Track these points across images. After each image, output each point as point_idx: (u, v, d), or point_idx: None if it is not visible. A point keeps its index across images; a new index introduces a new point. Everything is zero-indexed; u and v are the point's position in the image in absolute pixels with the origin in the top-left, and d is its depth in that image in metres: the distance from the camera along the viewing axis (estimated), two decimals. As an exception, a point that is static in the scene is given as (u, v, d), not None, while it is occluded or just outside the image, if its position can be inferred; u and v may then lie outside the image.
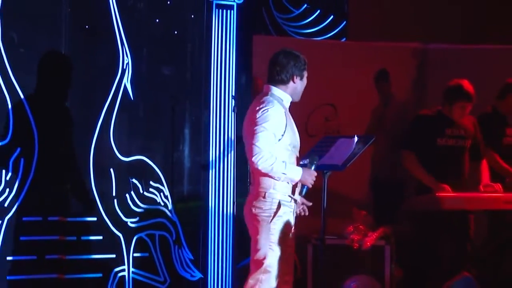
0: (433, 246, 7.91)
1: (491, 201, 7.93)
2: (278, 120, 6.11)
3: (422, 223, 7.94)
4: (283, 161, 6.10)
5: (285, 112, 6.20)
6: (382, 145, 8.36)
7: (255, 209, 6.16)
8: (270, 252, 6.15)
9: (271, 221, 6.13)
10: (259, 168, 6.06)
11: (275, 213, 6.13)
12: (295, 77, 6.25)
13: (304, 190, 6.22)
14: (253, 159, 6.03)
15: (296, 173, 6.15)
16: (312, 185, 6.21)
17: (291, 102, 6.32)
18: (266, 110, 6.09)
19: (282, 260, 6.22)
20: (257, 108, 6.14)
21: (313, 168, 6.22)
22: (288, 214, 6.20)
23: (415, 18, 9.60)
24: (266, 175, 6.10)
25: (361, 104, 8.84)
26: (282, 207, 6.14)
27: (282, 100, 6.24)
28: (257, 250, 6.19)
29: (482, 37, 9.35)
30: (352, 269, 7.75)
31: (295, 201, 6.23)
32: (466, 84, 7.80)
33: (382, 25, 9.47)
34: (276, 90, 6.24)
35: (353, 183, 8.35)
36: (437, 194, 7.75)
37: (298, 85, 6.29)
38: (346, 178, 7.58)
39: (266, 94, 6.22)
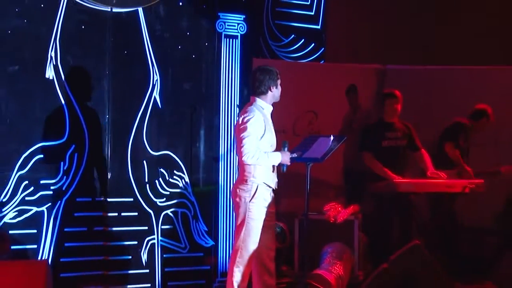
0: (389, 220, 8.01)
1: (435, 186, 7.99)
2: (258, 125, 6.20)
3: (381, 202, 8.03)
4: (265, 152, 6.20)
5: (264, 118, 6.27)
6: (351, 143, 8.36)
7: (239, 191, 6.27)
8: (248, 224, 6.22)
9: (250, 200, 6.23)
10: (248, 162, 6.18)
11: (254, 194, 6.22)
12: (271, 87, 6.32)
13: (284, 167, 6.33)
14: (243, 158, 6.15)
15: (277, 158, 6.26)
16: (289, 163, 6.31)
17: (275, 105, 6.39)
18: (248, 119, 6.17)
19: (262, 234, 6.28)
20: (242, 116, 6.24)
21: (286, 149, 6.32)
22: (265, 196, 6.28)
23: (377, 45, 9.62)
24: (248, 166, 6.20)
25: (336, 111, 8.81)
26: (259, 190, 6.23)
27: (263, 109, 6.31)
28: (238, 222, 6.29)
29: (429, 59, 9.37)
30: (329, 237, 7.75)
31: (271, 187, 6.31)
32: (392, 90, 7.95)
33: (352, 51, 9.46)
34: (259, 101, 6.31)
35: (330, 172, 8.31)
36: (394, 180, 7.82)
37: (275, 92, 6.36)
38: (325, 168, 7.61)
39: (251, 104, 6.31)
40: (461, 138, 8.34)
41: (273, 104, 6.44)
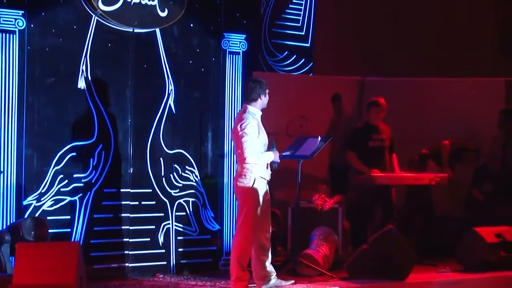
0: (368, 208, 8.05)
1: (406, 179, 8.05)
2: (253, 130, 6.28)
3: (361, 193, 8.07)
4: (261, 152, 6.29)
5: (257, 123, 6.35)
6: (336, 143, 8.40)
7: (239, 183, 6.34)
8: (248, 211, 6.30)
9: (248, 191, 6.30)
10: (250, 162, 6.26)
11: (251, 186, 6.28)
12: (261, 95, 6.39)
13: (275, 165, 6.43)
14: (246, 159, 6.23)
15: (270, 157, 6.36)
16: (279, 160, 6.42)
17: (271, 110, 6.52)
18: (245, 125, 6.26)
19: (259, 218, 6.32)
20: (239, 122, 6.31)
21: (274, 149, 6.41)
22: (261, 187, 6.33)
23: (358, 60, 9.66)
24: (247, 163, 6.25)
25: (323, 116, 8.86)
26: (256, 182, 6.29)
27: (255, 114, 6.37)
28: (240, 209, 6.38)
29: (404, 71, 9.42)
30: (317, 222, 7.78)
31: (265, 179, 6.37)
32: (379, 98, 7.97)
33: (336, 65, 9.52)
34: (250, 108, 6.38)
35: (318, 167, 8.36)
36: (371, 174, 7.86)
37: (264, 100, 6.43)
38: (313, 164, 7.70)
39: (245, 111, 6.38)
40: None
41: (269, 110, 6.51)
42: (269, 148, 6.43)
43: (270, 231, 6.49)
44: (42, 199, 6.78)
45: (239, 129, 6.30)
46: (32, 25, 6.72)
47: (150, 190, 7.30)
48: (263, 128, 6.43)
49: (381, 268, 7.02)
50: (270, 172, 6.44)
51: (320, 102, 8.83)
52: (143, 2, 7.13)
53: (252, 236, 6.32)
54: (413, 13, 9.95)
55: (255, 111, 6.39)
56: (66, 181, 6.88)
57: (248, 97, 6.39)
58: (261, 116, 6.47)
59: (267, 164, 6.40)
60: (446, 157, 8.34)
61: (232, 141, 6.59)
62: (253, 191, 6.30)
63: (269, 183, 6.47)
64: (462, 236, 7.87)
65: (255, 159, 6.26)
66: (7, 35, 6.56)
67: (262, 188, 6.35)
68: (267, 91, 6.43)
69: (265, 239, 6.42)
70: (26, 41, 6.67)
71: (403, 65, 9.62)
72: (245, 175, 6.30)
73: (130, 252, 7.17)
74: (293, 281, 6.65)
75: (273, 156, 6.37)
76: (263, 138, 6.40)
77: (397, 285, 6.99)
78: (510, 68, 9.31)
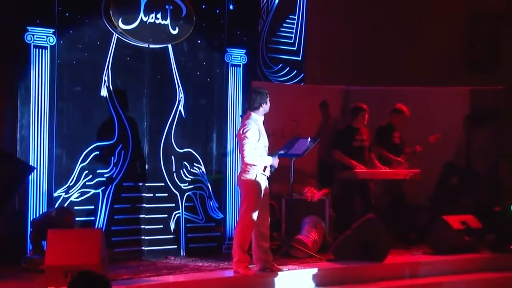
0: (349, 199, 8.08)
1: (386, 174, 8.08)
2: (254, 134, 6.28)
3: (344, 186, 8.12)
4: (260, 155, 6.28)
5: (258, 128, 6.34)
6: (324, 143, 8.44)
7: (243, 177, 6.33)
8: (249, 202, 6.29)
9: (250, 184, 6.29)
10: (249, 162, 6.26)
11: (253, 180, 6.27)
12: (262, 104, 6.40)
13: (272, 169, 6.39)
14: (245, 159, 6.24)
15: (268, 160, 6.34)
16: (276, 165, 6.38)
17: (268, 115, 6.47)
18: (247, 130, 6.26)
19: (260, 208, 6.29)
20: (242, 127, 6.33)
21: (276, 156, 6.39)
22: (262, 181, 6.33)
23: (343, 71, 9.69)
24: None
25: (312, 120, 8.87)
26: (257, 176, 6.29)
27: (257, 121, 6.37)
28: (242, 200, 6.36)
29: (382, 81, 9.46)
30: (307, 212, 7.79)
31: (266, 175, 6.38)
32: (362, 104, 7.97)
33: (324, 75, 9.55)
34: (253, 115, 6.38)
35: (308, 164, 8.38)
36: (355, 170, 7.91)
37: (265, 107, 6.42)
38: (304, 161, 7.73)
39: (248, 118, 6.38)
40: (384, 137, 8.31)
41: (266, 115, 6.53)
42: (272, 154, 6.43)
43: (269, 220, 6.51)
44: (70, 191, 6.80)
45: (241, 133, 6.35)
46: (61, 42, 6.76)
47: (163, 184, 7.30)
48: (264, 132, 6.43)
49: (363, 251, 7.07)
50: (270, 169, 6.44)
51: (310, 108, 8.85)
52: (157, 22, 7.17)
53: (253, 224, 6.32)
54: (391, 32, 10.00)
55: (257, 117, 6.42)
56: (91, 176, 6.89)
57: (251, 106, 6.42)
58: (263, 121, 6.49)
59: (265, 168, 6.40)
60: (387, 156, 8.32)
61: (237, 143, 6.62)
62: (255, 184, 6.30)
63: (268, 179, 6.48)
64: (432, 224, 7.93)
65: (253, 161, 6.29)
66: (40, 50, 6.61)
67: (262, 182, 6.36)
68: (267, 99, 6.44)
69: (264, 227, 6.43)
70: (56, 55, 6.70)
71: (382, 76, 9.66)
72: (248, 170, 6.31)
73: (146, 237, 7.19)
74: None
75: (271, 160, 6.38)
76: (264, 141, 6.40)
77: (376, 266, 7.03)
78: (473, 79, 9.43)
